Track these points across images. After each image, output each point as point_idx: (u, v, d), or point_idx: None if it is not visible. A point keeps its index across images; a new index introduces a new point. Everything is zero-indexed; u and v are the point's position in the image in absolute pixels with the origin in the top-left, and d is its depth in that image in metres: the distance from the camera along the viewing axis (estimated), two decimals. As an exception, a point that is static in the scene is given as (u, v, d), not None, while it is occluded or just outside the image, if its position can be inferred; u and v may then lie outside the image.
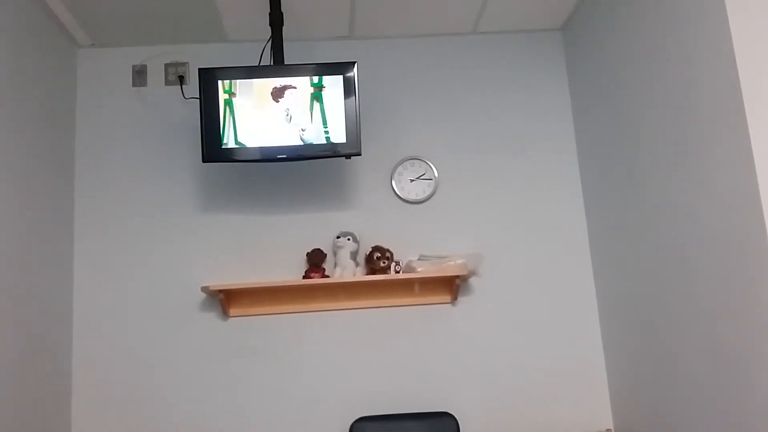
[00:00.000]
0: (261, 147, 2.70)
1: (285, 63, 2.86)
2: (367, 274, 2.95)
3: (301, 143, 2.71)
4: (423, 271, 2.88)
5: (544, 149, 3.18)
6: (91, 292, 2.97)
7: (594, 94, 2.96)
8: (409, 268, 2.90)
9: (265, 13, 2.90)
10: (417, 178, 3.12)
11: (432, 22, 3.12)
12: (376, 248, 2.94)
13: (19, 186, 2.53)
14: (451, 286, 2.98)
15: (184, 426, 2.88)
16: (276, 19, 2.84)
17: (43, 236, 2.71)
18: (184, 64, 3.16)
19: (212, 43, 3.18)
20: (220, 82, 2.71)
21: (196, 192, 3.07)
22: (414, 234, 3.07)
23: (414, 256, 3.00)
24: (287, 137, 2.70)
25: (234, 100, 2.71)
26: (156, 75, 3.16)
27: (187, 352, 2.94)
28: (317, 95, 2.73)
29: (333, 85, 2.73)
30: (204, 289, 2.85)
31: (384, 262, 2.91)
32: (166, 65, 3.16)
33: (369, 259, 2.93)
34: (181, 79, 3.13)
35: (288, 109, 2.71)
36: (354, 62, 2.75)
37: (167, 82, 3.15)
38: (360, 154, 2.74)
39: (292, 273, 3.00)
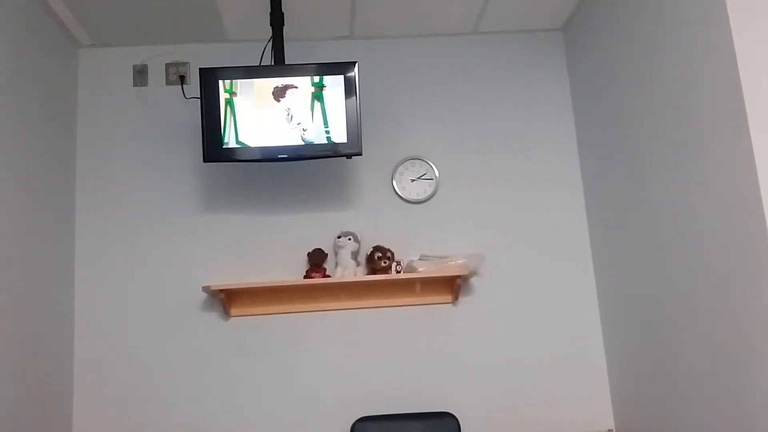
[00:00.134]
0: (262, 147, 2.70)
1: (286, 63, 2.86)
2: (368, 274, 2.95)
3: (302, 143, 2.71)
4: (424, 271, 2.88)
5: (545, 149, 3.18)
6: (92, 292, 2.97)
7: (595, 94, 2.96)
8: (410, 268, 2.90)
9: (265, 13, 2.90)
10: (418, 178, 3.12)
11: (432, 22, 3.12)
12: (377, 248, 2.94)
13: (20, 186, 2.54)
14: (452, 286, 2.98)
15: (184, 426, 2.89)
16: (277, 19, 2.85)
17: (44, 236, 2.71)
18: (185, 63, 3.16)
19: (213, 42, 3.19)
20: (221, 81, 2.72)
21: (197, 192, 3.08)
22: (415, 234, 3.07)
23: (415, 256, 3.00)
24: (288, 137, 2.71)
25: (235, 99, 2.71)
26: (157, 75, 3.16)
27: (188, 352, 2.94)
28: (318, 95, 2.73)
29: (334, 84, 2.73)
30: (205, 288, 2.85)
31: (385, 262, 2.91)
32: (167, 65, 3.16)
33: (370, 259, 2.93)
34: (182, 79, 3.14)
35: (289, 109, 2.71)
36: (355, 62, 2.75)
37: (168, 82, 3.15)
38: (361, 154, 2.74)
39: (293, 273, 3.00)
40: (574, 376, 2.98)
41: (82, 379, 2.90)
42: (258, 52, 3.01)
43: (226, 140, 2.70)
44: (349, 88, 2.74)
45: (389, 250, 2.94)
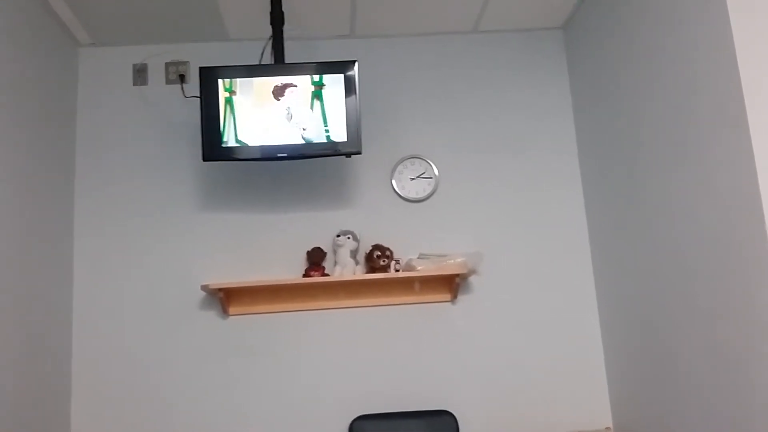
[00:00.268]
0: (261, 146, 2.70)
1: (285, 62, 2.86)
2: (367, 272, 2.95)
3: (302, 142, 2.71)
4: (423, 269, 2.88)
5: (545, 148, 3.17)
6: (91, 292, 2.97)
7: (595, 93, 2.96)
8: (409, 267, 2.90)
9: (265, 11, 2.90)
10: (417, 176, 3.12)
11: (433, 20, 3.12)
12: (376, 247, 2.94)
13: (19, 185, 2.54)
14: (451, 284, 2.98)
15: (183, 425, 2.89)
16: (276, 18, 2.84)
17: (43, 235, 2.71)
18: (184, 62, 3.16)
19: (213, 41, 3.18)
20: (220, 80, 2.71)
21: (196, 191, 3.08)
22: (414, 232, 3.07)
23: (414, 254, 3.00)
24: (288, 136, 2.70)
25: (234, 98, 2.71)
26: (157, 74, 3.16)
27: (187, 351, 2.94)
28: (318, 94, 2.73)
29: (334, 83, 2.73)
30: (204, 287, 2.85)
31: (384, 261, 2.91)
32: (167, 64, 3.16)
33: (369, 257, 2.93)
34: (182, 78, 3.13)
35: (289, 108, 2.71)
36: (355, 61, 2.75)
37: (168, 81, 3.15)
38: (360, 153, 2.74)
39: (292, 271, 3.00)
40: (572, 374, 2.99)
41: (81, 379, 2.90)
42: (258, 51, 3.01)
43: (225, 139, 2.70)
44: (349, 87, 2.73)
45: (388, 249, 2.94)
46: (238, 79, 2.71)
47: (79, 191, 3.05)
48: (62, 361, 2.83)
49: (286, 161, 3.05)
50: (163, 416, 2.89)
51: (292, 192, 3.09)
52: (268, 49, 2.92)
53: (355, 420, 2.84)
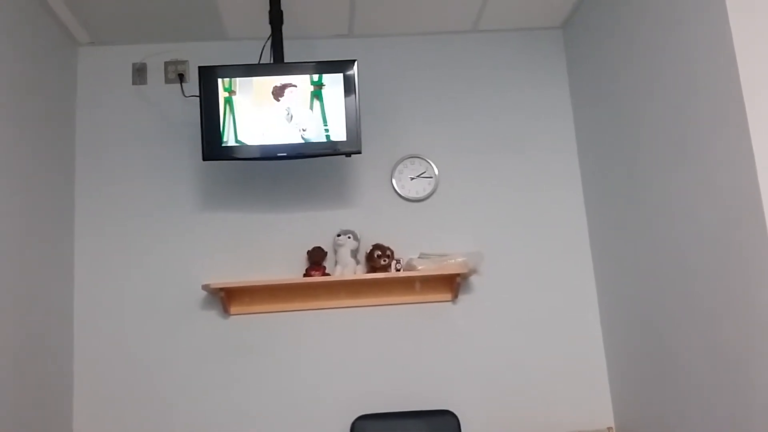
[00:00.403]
0: (261, 145, 2.70)
1: (285, 61, 2.86)
2: (368, 272, 2.95)
3: (302, 141, 2.71)
4: (423, 269, 2.88)
5: (545, 147, 3.17)
6: (91, 291, 2.97)
7: (594, 92, 2.96)
8: (410, 266, 2.91)
9: (265, 11, 2.90)
10: (417, 176, 3.12)
11: (432, 20, 3.12)
12: (376, 246, 2.94)
13: (19, 184, 2.53)
14: (452, 284, 2.98)
15: (184, 424, 2.89)
16: (276, 18, 2.84)
17: (43, 235, 2.71)
18: (184, 62, 3.16)
19: (212, 41, 3.18)
20: (220, 80, 2.71)
21: (196, 190, 3.07)
22: (414, 232, 3.07)
23: (414, 254, 3.00)
24: (287, 135, 2.70)
25: (234, 98, 2.71)
26: (156, 73, 3.15)
27: (188, 351, 2.95)
28: (317, 93, 2.72)
29: (333, 83, 2.73)
30: (205, 287, 2.85)
31: (384, 260, 2.91)
32: (166, 63, 3.16)
33: (369, 257, 2.94)
34: (181, 77, 3.13)
35: (289, 109, 2.71)
36: (354, 60, 2.75)
37: (167, 81, 3.14)
38: (360, 152, 2.74)
39: (293, 271, 3.00)
40: (573, 374, 2.99)
41: (82, 378, 2.91)
42: (257, 50, 3.00)
43: (225, 139, 2.70)
44: (349, 87, 2.73)
45: (389, 249, 2.95)
46: (237, 79, 2.71)
47: (79, 191, 3.04)
48: (63, 361, 2.83)
49: (286, 161, 3.05)
50: (164, 416, 2.89)
51: (293, 191, 3.09)
52: (268, 48, 2.91)
53: (356, 420, 2.85)
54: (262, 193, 3.08)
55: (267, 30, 2.89)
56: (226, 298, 2.90)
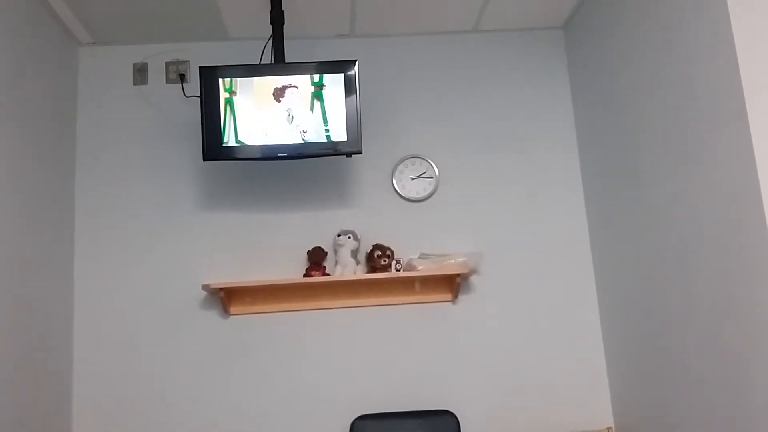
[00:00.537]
0: (261, 145, 2.70)
1: (286, 61, 2.86)
2: (368, 272, 2.95)
3: (302, 141, 2.71)
4: (424, 269, 2.88)
5: (545, 148, 3.17)
6: (91, 291, 2.97)
7: (595, 92, 2.96)
8: (410, 267, 2.90)
9: (265, 11, 2.90)
10: (418, 176, 3.12)
11: (433, 20, 3.12)
12: (376, 246, 2.94)
13: (19, 184, 2.54)
14: (452, 284, 2.98)
15: (184, 424, 2.89)
16: (277, 18, 2.84)
17: (43, 235, 2.71)
18: (184, 62, 3.16)
19: (213, 41, 3.18)
20: (220, 80, 2.71)
21: (196, 190, 3.08)
22: (415, 232, 3.07)
23: (415, 254, 3.00)
24: (288, 136, 2.70)
25: (235, 98, 2.71)
26: (157, 73, 3.16)
27: (188, 351, 2.95)
28: (318, 93, 2.72)
29: (334, 83, 2.73)
30: (205, 287, 2.85)
31: (385, 261, 2.91)
32: (167, 63, 3.16)
33: (370, 257, 2.94)
34: (182, 78, 3.13)
35: (290, 110, 2.71)
36: (355, 60, 2.75)
37: (168, 81, 3.15)
38: (361, 153, 2.74)
39: (293, 271, 3.00)
40: (573, 374, 2.99)
41: (82, 378, 2.91)
42: (258, 50, 3.01)
43: (225, 139, 2.70)
44: (349, 87, 2.73)
45: (389, 249, 2.95)
46: (238, 79, 2.71)
47: (79, 191, 3.05)
48: (63, 361, 2.83)
49: (287, 161, 3.05)
50: (164, 416, 2.89)
51: (293, 191, 3.09)
52: (268, 48, 2.91)
53: (356, 420, 2.84)
54: (262, 193, 3.08)
55: (268, 30, 2.89)
56: (225, 298, 2.90)
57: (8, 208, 2.44)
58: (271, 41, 2.85)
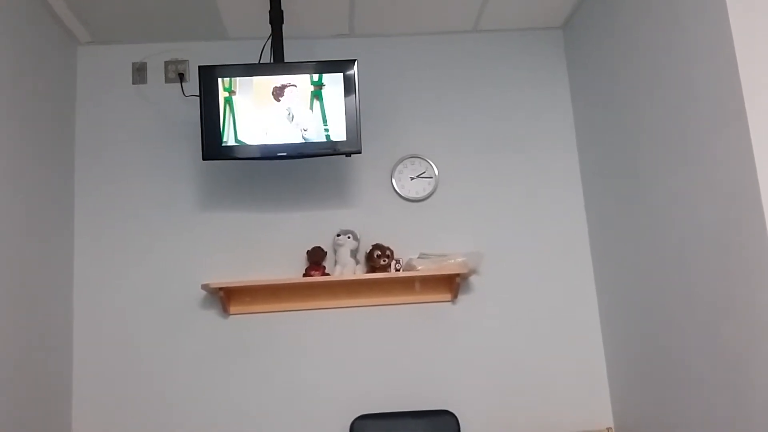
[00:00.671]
0: (261, 145, 2.70)
1: (285, 61, 2.86)
2: (368, 272, 2.95)
3: (302, 141, 2.70)
4: (423, 269, 2.88)
5: (545, 148, 3.17)
6: (91, 291, 2.97)
7: (594, 92, 2.96)
8: (410, 267, 2.90)
9: (265, 10, 2.90)
10: (417, 176, 3.12)
11: (432, 20, 3.12)
12: (376, 246, 2.94)
13: (18, 183, 2.53)
14: (452, 284, 2.98)
15: (183, 424, 2.89)
16: (276, 17, 2.84)
17: (43, 234, 2.71)
18: (184, 61, 3.16)
19: (212, 40, 3.18)
20: (220, 79, 2.71)
21: (196, 190, 3.07)
22: (414, 232, 3.07)
23: (414, 254, 3.00)
24: (287, 135, 2.70)
25: (234, 98, 2.71)
26: (156, 72, 3.15)
27: (187, 350, 2.94)
28: (317, 93, 2.72)
29: (333, 83, 2.73)
30: (204, 286, 2.85)
31: (384, 260, 2.91)
32: (166, 63, 3.16)
33: (369, 257, 2.93)
34: (181, 77, 3.13)
35: (289, 109, 2.71)
36: (354, 60, 2.75)
37: (167, 80, 3.14)
38: (360, 152, 2.74)
39: (293, 271, 3.00)
40: (573, 374, 2.99)
41: (82, 378, 2.90)
42: (257, 50, 3.00)
43: (225, 138, 2.69)
44: (349, 87, 2.73)
45: (388, 249, 2.94)
46: (237, 78, 2.71)
47: (78, 190, 3.04)
48: (63, 361, 2.83)
49: (286, 161, 3.05)
50: (163, 416, 2.89)
51: (292, 191, 3.09)
52: (268, 48, 2.91)
53: (355, 420, 2.84)
54: (261, 193, 3.08)
55: (267, 30, 2.89)
56: (225, 297, 2.90)
57: (8, 208, 2.43)
58: (270, 41, 2.85)
